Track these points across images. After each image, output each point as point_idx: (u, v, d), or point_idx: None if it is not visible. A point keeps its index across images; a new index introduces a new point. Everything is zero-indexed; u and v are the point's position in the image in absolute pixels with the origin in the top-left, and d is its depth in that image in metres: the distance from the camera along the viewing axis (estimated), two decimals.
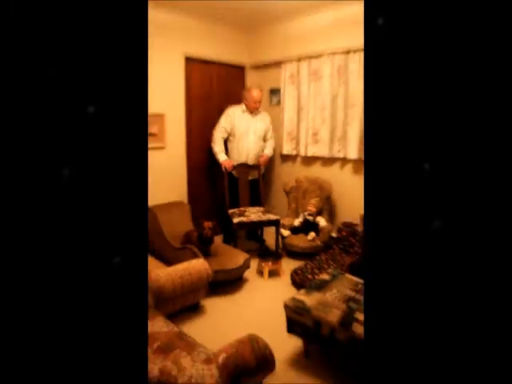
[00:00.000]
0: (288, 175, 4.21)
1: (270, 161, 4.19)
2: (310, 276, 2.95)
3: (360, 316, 1.85)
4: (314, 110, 3.94)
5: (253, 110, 3.87)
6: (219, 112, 4.08)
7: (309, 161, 4.15)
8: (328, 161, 3.96)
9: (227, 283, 3.03)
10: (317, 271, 3.01)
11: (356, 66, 3.51)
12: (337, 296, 2.06)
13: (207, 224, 3.06)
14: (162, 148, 3.72)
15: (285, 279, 3.23)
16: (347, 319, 1.86)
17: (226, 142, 3.98)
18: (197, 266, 2.61)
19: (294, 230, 3.74)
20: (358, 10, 3.19)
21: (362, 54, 3.45)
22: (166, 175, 3.76)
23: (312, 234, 3.57)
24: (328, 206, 3.84)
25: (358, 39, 3.26)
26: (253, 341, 1.53)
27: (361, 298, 2.04)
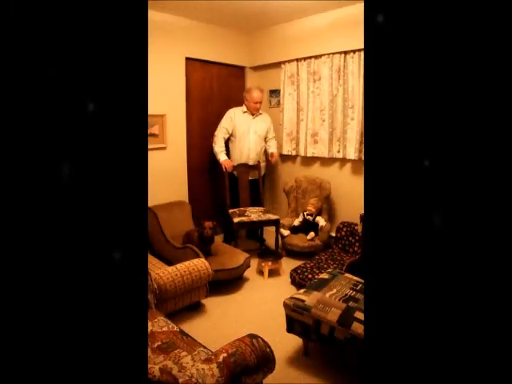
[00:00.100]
0: (288, 175, 4.22)
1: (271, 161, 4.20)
2: (309, 275, 2.96)
3: (359, 315, 1.86)
4: (313, 111, 3.95)
5: (253, 111, 3.88)
6: (219, 112, 4.09)
7: (308, 161, 4.16)
8: (327, 161, 3.97)
9: (227, 282, 3.04)
10: (316, 270, 3.02)
11: (355, 66, 3.52)
12: (336, 295, 2.07)
13: (208, 224, 3.07)
14: (163, 148, 3.73)
15: (285, 278, 3.24)
16: (347, 318, 1.87)
17: (227, 142, 3.99)
18: (197, 265, 2.62)
19: (294, 230, 3.75)
20: (357, 11, 3.20)
21: (361, 55, 3.46)
22: (167, 175, 3.77)
23: (311, 234, 3.59)
24: (327, 206, 3.85)
25: (357, 40, 3.26)
26: (253, 340, 1.54)
27: (360, 297, 2.06)
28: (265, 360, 1.52)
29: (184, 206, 3.72)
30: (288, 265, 3.40)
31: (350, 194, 3.74)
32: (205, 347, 1.73)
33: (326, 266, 3.11)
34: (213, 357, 1.40)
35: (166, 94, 3.67)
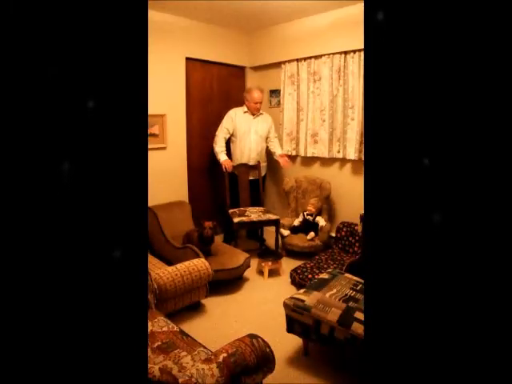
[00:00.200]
0: (287, 175, 4.21)
1: (271, 161, 4.20)
2: (309, 275, 2.96)
3: (360, 315, 1.86)
4: (313, 111, 3.94)
5: (254, 111, 3.88)
6: (219, 112, 4.10)
7: (308, 161, 4.16)
8: (327, 161, 3.97)
9: (227, 282, 3.04)
10: (316, 270, 3.02)
11: (355, 66, 3.52)
12: (336, 295, 2.07)
13: (208, 224, 3.07)
14: (163, 148, 3.73)
15: (285, 278, 3.24)
16: (347, 318, 1.87)
17: (228, 142, 3.99)
18: (197, 265, 2.62)
19: (294, 230, 3.75)
20: (357, 11, 3.20)
21: (361, 55, 3.46)
22: (167, 175, 3.77)
23: (311, 234, 3.59)
24: (327, 206, 3.85)
25: (357, 40, 3.26)
26: (253, 340, 1.54)
27: (360, 297, 2.06)
28: (265, 360, 1.52)
29: (184, 206, 3.72)
30: (288, 265, 3.40)
31: (349, 194, 3.74)
32: (205, 347, 1.73)
33: (325, 266, 3.11)
34: (213, 357, 1.40)
35: (166, 94, 3.67)
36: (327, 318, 1.91)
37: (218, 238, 3.58)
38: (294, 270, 3.11)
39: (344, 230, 3.56)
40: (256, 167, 3.93)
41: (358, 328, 1.80)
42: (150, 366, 1.26)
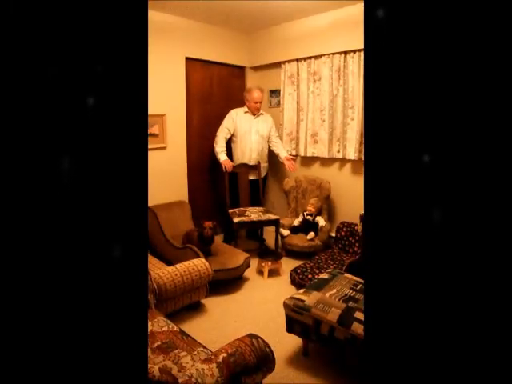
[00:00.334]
0: (287, 175, 4.22)
1: (272, 161, 4.20)
2: (309, 275, 2.96)
3: (359, 315, 1.86)
4: (313, 111, 3.94)
5: (254, 111, 3.88)
6: (219, 112, 4.10)
7: (308, 161, 4.16)
8: (327, 161, 3.97)
9: (227, 282, 3.04)
10: (316, 270, 3.02)
11: (355, 66, 3.52)
12: (336, 295, 2.07)
13: (208, 224, 3.07)
14: (162, 148, 3.73)
15: (284, 278, 3.24)
16: (347, 318, 1.87)
17: (229, 142, 3.99)
18: (197, 265, 2.62)
19: (294, 230, 3.75)
20: (357, 11, 3.20)
21: (361, 55, 3.46)
22: (167, 175, 3.76)
23: (311, 234, 3.59)
24: (327, 206, 3.85)
25: (357, 40, 3.26)
26: (253, 340, 1.54)
27: (360, 297, 2.06)
28: (264, 360, 1.52)
29: (184, 206, 3.72)
30: (288, 265, 3.40)
31: (349, 194, 3.74)
32: (204, 347, 1.73)
33: (325, 266, 3.11)
34: (212, 357, 1.40)
35: (166, 94, 3.67)
36: (327, 317, 1.91)
37: (218, 238, 3.58)
38: (294, 270, 3.12)
39: (344, 229, 3.56)
40: (256, 167, 3.93)
41: (357, 328, 1.80)
42: (149, 366, 1.26)
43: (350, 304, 1.98)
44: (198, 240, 3.11)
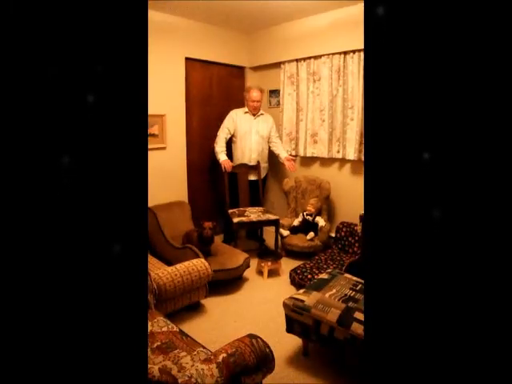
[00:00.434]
0: (287, 175, 4.22)
1: (272, 161, 4.20)
2: (309, 275, 2.96)
3: (359, 315, 1.86)
4: (313, 111, 3.95)
5: (252, 110, 3.88)
6: (219, 113, 4.10)
7: (308, 161, 4.16)
8: (327, 161, 3.97)
9: (227, 283, 3.04)
10: (316, 271, 3.02)
11: (355, 67, 3.52)
12: (336, 295, 2.07)
13: (207, 224, 3.07)
14: (162, 148, 3.73)
15: (284, 279, 3.25)
16: (346, 319, 1.87)
17: (230, 142, 3.99)
18: (197, 265, 2.62)
19: (294, 230, 3.75)
20: (357, 11, 3.21)
21: (360, 55, 3.46)
22: (167, 175, 3.76)
23: (311, 234, 3.59)
24: (327, 206, 3.85)
25: (356, 40, 3.27)
26: (253, 340, 1.54)
27: (360, 297, 2.06)
28: (264, 360, 1.52)
29: (184, 206, 3.72)
30: (287, 265, 3.40)
31: (349, 194, 3.75)
32: (204, 347, 1.73)
33: (325, 266, 3.12)
34: (212, 357, 1.40)
35: (166, 94, 3.67)
36: (327, 318, 1.92)
37: (218, 238, 3.58)
38: (294, 270, 3.12)
39: (343, 230, 3.56)
40: (256, 167, 3.93)
41: (357, 328, 1.80)
42: (149, 366, 1.26)
43: (350, 304, 1.98)
44: (198, 240, 3.11)
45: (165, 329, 1.86)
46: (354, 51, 3.50)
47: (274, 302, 2.77)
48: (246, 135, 3.89)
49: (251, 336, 1.58)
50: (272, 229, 3.73)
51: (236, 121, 3.88)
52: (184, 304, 2.57)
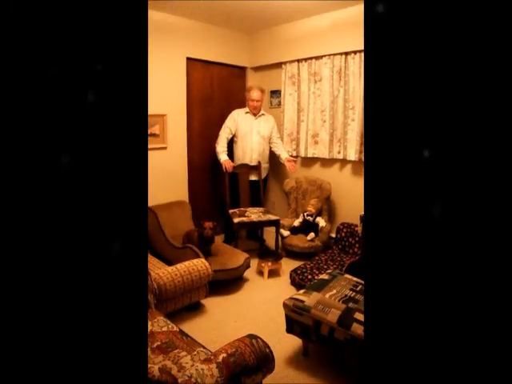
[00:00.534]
0: (288, 176, 4.22)
1: (273, 162, 4.20)
2: (309, 276, 2.96)
3: (359, 316, 1.86)
4: (313, 112, 3.95)
5: (252, 110, 3.89)
6: (220, 113, 4.10)
7: (308, 162, 4.16)
8: (328, 162, 3.97)
9: (227, 283, 3.04)
10: (316, 271, 3.02)
11: (356, 67, 3.52)
12: (336, 296, 2.07)
13: (208, 224, 3.08)
14: (163, 148, 3.73)
15: (284, 279, 3.24)
16: (346, 319, 1.87)
17: (231, 142, 3.99)
18: (197, 265, 2.62)
19: (294, 231, 3.75)
20: (358, 12, 3.20)
21: (362, 56, 3.46)
22: (167, 175, 3.77)
23: (311, 235, 3.59)
24: (327, 207, 3.85)
25: (358, 41, 3.26)
26: (253, 340, 1.54)
27: (360, 298, 2.06)
28: (264, 360, 1.52)
29: (184, 206, 3.72)
30: (288, 265, 3.40)
31: (350, 194, 3.74)
32: (204, 347, 1.73)
33: (325, 266, 3.11)
34: (212, 357, 1.40)
35: (167, 94, 3.68)
36: (327, 318, 1.91)
37: (218, 239, 3.58)
38: (294, 271, 3.11)
39: (344, 230, 3.56)
40: (257, 168, 3.93)
41: (357, 329, 1.80)
42: (149, 365, 1.26)
43: (350, 305, 1.98)
44: (198, 240, 3.11)
45: (165, 328, 1.86)
46: (355, 52, 3.50)
47: (274, 303, 2.76)
48: (247, 135, 3.89)
49: (251, 336, 1.58)
50: (272, 229, 3.73)
51: (237, 121, 3.88)
52: (184, 304, 2.57)
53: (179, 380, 1.26)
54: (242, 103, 4.09)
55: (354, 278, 2.32)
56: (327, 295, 2.08)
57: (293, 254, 3.65)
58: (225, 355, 1.40)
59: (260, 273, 3.35)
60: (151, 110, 3.18)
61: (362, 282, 2.26)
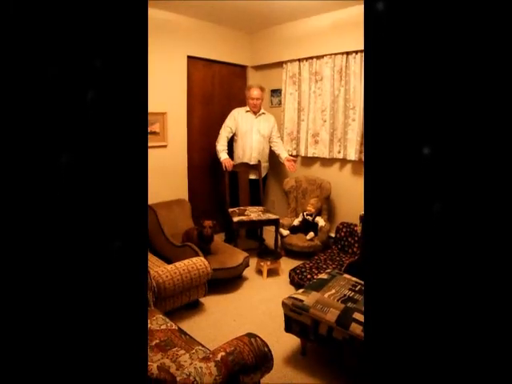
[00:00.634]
0: (288, 175, 4.22)
1: (273, 161, 4.20)
2: (308, 275, 2.96)
3: (358, 316, 1.87)
4: (314, 111, 3.95)
5: (252, 108, 3.88)
6: (220, 111, 4.10)
7: (309, 161, 4.16)
8: (328, 161, 3.97)
9: (226, 281, 3.05)
10: (315, 271, 3.02)
11: (357, 67, 3.52)
12: (335, 296, 2.07)
13: (207, 223, 3.08)
14: (163, 146, 3.73)
15: (283, 278, 3.25)
16: (345, 319, 1.87)
17: (231, 141, 3.99)
18: (196, 264, 2.62)
19: (293, 230, 3.76)
20: (359, 12, 3.20)
21: (362, 56, 3.45)
22: (167, 174, 3.77)
23: (311, 234, 3.59)
24: (327, 206, 3.85)
25: (358, 41, 3.25)
26: (251, 339, 1.54)
27: (359, 298, 2.06)
28: (263, 359, 1.52)
29: (184, 205, 3.72)
30: (287, 265, 3.41)
31: (349, 194, 3.75)
32: (203, 346, 1.73)
33: (325, 266, 3.12)
34: (211, 355, 1.41)
35: (168, 92, 3.67)
36: (326, 318, 1.92)
37: (218, 237, 3.58)
38: (293, 270, 3.12)
39: (343, 230, 3.56)
40: (257, 167, 3.93)
41: (356, 328, 1.80)
42: (148, 363, 1.26)
43: (349, 305, 1.98)
44: (198, 238, 3.11)
45: (164, 327, 1.86)
46: (356, 52, 3.50)
47: (273, 302, 2.77)
48: (247, 134, 3.89)
49: (250, 335, 1.58)
50: (272, 228, 3.73)
51: (237, 119, 3.88)
52: (183, 302, 2.57)
53: (178, 378, 1.26)
54: (242, 102, 4.09)
55: (353, 278, 2.32)
56: (326, 295, 2.08)
57: (292, 254, 3.66)
58: (223, 354, 1.40)
59: (259, 272, 3.36)
60: (151, 108, 3.17)
61: (361, 281, 2.27)
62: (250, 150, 3.93)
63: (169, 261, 2.88)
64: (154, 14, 3.34)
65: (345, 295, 2.08)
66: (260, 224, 3.71)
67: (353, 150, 3.63)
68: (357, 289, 2.17)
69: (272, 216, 3.58)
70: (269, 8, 3.51)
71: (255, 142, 3.92)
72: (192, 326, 2.46)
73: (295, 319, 2.06)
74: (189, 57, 3.85)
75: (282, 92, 4.22)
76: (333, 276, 2.35)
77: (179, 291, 2.48)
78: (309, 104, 3.99)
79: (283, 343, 2.27)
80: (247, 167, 3.91)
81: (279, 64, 4.22)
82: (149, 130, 3.52)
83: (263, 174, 4.06)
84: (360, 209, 2.17)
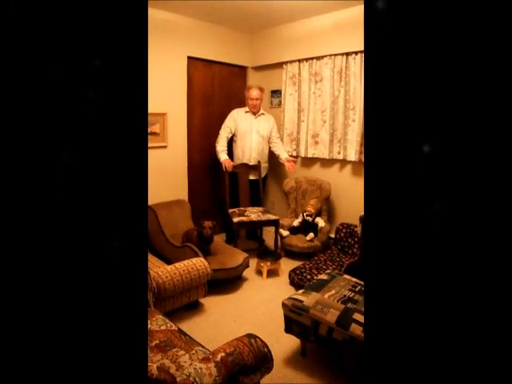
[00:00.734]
0: (288, 176, 4.22)
1: (273, 162, 4.20)
2: (308, 276, 2.96)
3: (358, 317, 1.86)
4: (314, 112, 3.95)
5: (251, 109, 3.89)
6: (221, 112, 4.10)
7: (308, 162, 4.16)
8: (328, 162, 3.97)
9: (226, 282, 3.05)
10: (315, 271, 3.02)
11: (357, 68, 3.52)
12: (335, 296, 2.07)
13: (207, 223, 3.08)
14: (163, 147, 3.73)
15: (283, 279, 3.25)
16: (345, 320, 1.87)
17: (231, 142, 3.99)
18: (196, 264, 2.62)
19: (293, 231, 3.76)
20: (359, 12, 3.20)
21: (362, 56, 3.46)
22: (167, 174, 3.77)
23: (311, 235, 3.59)
24: (327, 207, 3.85)
25: (359, 41, 3.26)
26: (251, 340, 1.54)
27: (359, 298, 2.06)
28: (262, 360, 1.52)
29: (184, 205, 3.72)
30: (287, 265, 3.40)
31: (349, 195, 3.75)
32: (203, 346, 1.73)
33: (324, 266, 3.12)
34: (211, 356, 1.40)
35: (168, 93, 3.68)
36: (325, 318, 1.92)
37: (219, 238, 3.58)
38: (293, 271, 3.12)
39: (343, 231, 3.56)
40: (256, 167, 3.93)
41: (356, 329, 1.80)
42: (148, 364, 1.26)
43: (349, 305, 1.98)
44: (198, 239, 3.11)
45: (163, 327, 1.86)
46: (356, 52, 3.50)
47: (272, 302, 2.77)
48: (247, 134, 3.89)
49: (250, 336, 1.58)
50: (272, 229, 3.73)
51: (237, 120, 3.88)
52: (183, 303, 2.57)
53: (177, 379, 1.26)
54: (242, 103, 4.09)
55: (353, 279, 2.32)
56: (326, 295, 2.08)
57: (292, 254, 3.66)
58: (223, 354, 1.40)
59: (259, 272, 3.35)
60: (152, 109, 3.18)
61: (361, 282, 2.27)
62: (250, 150, 3.93)
63: (169, 261, 2.88)
64: (153, 14, 3.35)
65: (345, 296, 2.08)
66: (260, 225, 3.71)
67: (353, 150, 3.63)
68: (357, 289, 2.17)
69: (272, 217, 3.58)
70: (269, 8, 3.51)
71: (254, 143, 3.92)
72: (192, 326, 2.46)
73: (295, 320, 2.05)
74: (189, 57, 3.85)
75: (282, 93, 4.23)
76: (333, 277, 2.35)
77: (179, 292, 2.48)
78: (309, 105, 3.99)
79: (283, 344, 2.26)
80: (247, 168, 3.91)
81: (279, 65, 4.22)
82: (149, 131, 3.52)
83: (263, 175, 4.06)
84: (360, 209, 2.17)
